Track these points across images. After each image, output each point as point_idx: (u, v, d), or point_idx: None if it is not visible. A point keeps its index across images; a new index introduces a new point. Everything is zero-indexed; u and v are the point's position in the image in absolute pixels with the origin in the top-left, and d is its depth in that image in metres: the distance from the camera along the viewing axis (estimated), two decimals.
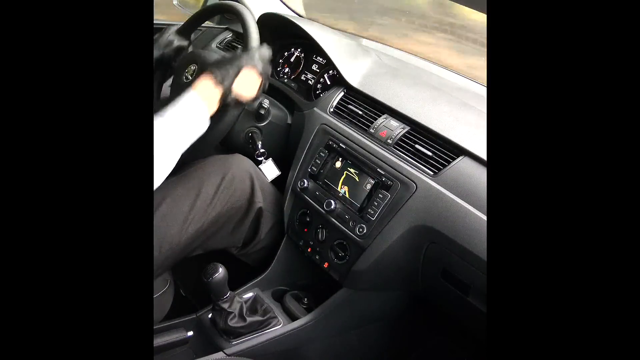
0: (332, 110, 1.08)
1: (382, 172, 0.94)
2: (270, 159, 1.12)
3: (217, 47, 1.42)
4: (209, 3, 1.49)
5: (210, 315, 0.96)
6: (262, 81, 0.89)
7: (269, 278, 1.07)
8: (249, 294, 1.02)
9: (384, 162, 0.94)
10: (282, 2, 1.49)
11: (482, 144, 0.87)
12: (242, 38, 0.96)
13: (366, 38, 1.42)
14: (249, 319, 0.93)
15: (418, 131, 0.96)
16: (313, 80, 1.21)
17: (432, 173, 0.89)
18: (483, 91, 1.12)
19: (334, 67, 1.12)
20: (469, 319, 0.95)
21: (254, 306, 0.98)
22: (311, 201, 1.01)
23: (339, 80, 1.13)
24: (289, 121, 1.16)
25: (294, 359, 1.00)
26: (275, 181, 1.11)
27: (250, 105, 1.03)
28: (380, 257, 0.91)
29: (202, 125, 0.80)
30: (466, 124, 0.94)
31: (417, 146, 0.93)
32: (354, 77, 1.10)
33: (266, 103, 1.08)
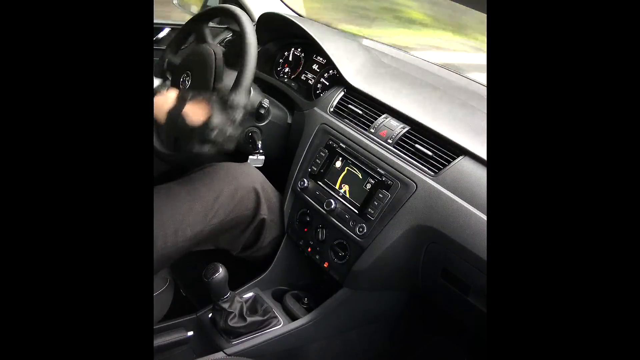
0: (332, 110, 1.08)
1: (382, 172, 0.94)
2: (263, 157, 1.12)
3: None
4: (208, 3, 1.50)
5: (210, 315, 0.96)
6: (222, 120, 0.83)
7: (269, 278, 1.07)
8: (249, 294, 1.02)
9: (384, 161, 0.94)
10: (282, 2, 1.49)
11: (482, 144, 0.87)
12: (241, 41, 0.96)
13: (366, 38, 1.42)
14: (249, 319, 0.93)
15: (418, 131, 0.96)
16: (313, 80, 1.21)
17: (432, 173, 0.89)
18: (483, 91, 1.12)
19: (334, 67, 1.13)
20: (469, 318, 0.95)
21: (254, 306, 0.99)
22: (311, 201, 1.01)
23: (339, 80, 1.13)
24: (289, 121, 1.16)
25: (294, 359, 1.00)
26: (275, 181, 1.11)
27: (250, 105, 1.04)
28: (380, 257, 0.91)
29: None
30: (466, 123, 0.94)
31: (417, 146, 0.93)
32: (354, 77, 1.10)
33: (266, 103, 1.08)
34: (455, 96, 1.04)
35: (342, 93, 1.10)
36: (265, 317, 0.96)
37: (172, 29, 1.42)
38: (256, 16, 1.34)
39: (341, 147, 1.01)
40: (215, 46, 0.99)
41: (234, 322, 0.91)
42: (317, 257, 1.01)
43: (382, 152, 0.96)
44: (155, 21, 1.39)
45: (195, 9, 1.50)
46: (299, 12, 1.52)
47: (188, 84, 1.00)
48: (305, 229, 1.03)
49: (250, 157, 1.10)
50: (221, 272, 0.86)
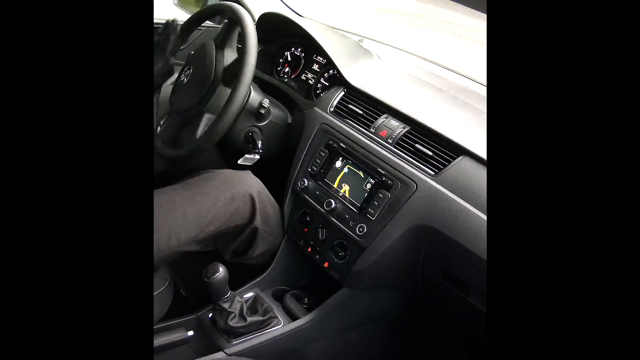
0: (332, 109, 1.08)
1: (383, 172, 0.94)
2: (258, 157, 1.12)
3: None
4: (208, 3, 1.50)
5: (210, 315, 0.96)
6: None
7: (269, 278, 1.07)
8: (250, 294, 1.02)
9: (384, 161, 0.94)
10: (282, 1, 1.49)
11: (482, 144, 0.87)
12: (242, 37, 0.96)
13: (366, 38, 1.42)
14: (249, 319, 0.93)
15: (418, 131, 0.96)
16: (313, 80, 1.21)
17: (432, 173, 0.89)
18: (483, 91, 1.12)
19: (334, 67, 1.12)
20: (469, 318, 0.95)
21: (254, 306, 0.99)
22: (311, 201, 1.01)
23: (339, 80, 1.13)
24: (289, 121, 1.16)
25: (294, 359, 1.00)
26: (275, 181, 1.11)
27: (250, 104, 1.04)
28: (380, 257, 0.91)
29: None
30: (466, 123, 0.94)
31: (417, 146, 0.93)
32: (354, 77, 1.10)
33: (266, 102, 1.08)
34: (455, 96, 1.04)
35: (342, 93, 1.10)
36: (266, 317, 0.96)
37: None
38: (256, 16, 1.34)
39: (341, 147, 1.01)
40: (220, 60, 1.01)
41: (234, 322, 0.91)
42: (317, 257, 1.01)
43: (382, 152, 0.96)
44: (155, 21, 1.39)
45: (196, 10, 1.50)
46: (299, 12, 1.52)
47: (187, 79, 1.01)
48: (305, 229, 1.03)
49: (246, 155, 1.10)
50: (221, 272, 0.86)
